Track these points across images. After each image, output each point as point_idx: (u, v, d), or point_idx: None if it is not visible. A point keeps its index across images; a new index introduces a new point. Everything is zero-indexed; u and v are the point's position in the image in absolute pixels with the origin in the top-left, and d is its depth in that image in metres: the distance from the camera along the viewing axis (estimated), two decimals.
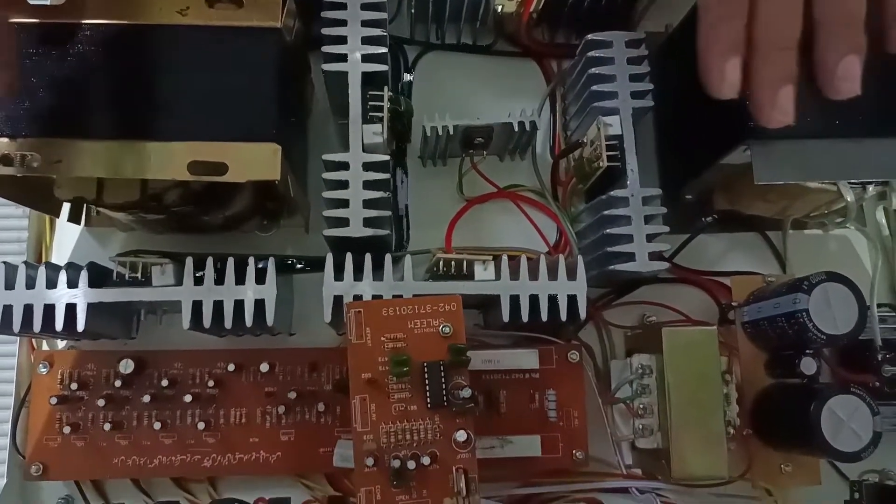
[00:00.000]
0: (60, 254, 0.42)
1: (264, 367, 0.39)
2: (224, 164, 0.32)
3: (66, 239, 0.43)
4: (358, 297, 0.36)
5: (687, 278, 0.44)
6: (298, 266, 0.41)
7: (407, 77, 0.39)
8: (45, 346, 0.41)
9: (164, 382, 0.39)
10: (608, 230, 0.38)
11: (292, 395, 0.39)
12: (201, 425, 0.38)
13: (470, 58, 0.47)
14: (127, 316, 0.40)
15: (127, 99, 0.33)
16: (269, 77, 0.33)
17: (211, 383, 0.39)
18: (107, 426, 0.38)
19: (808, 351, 0.39)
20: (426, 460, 0.32)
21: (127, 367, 0.38)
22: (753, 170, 0.34)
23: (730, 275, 0.44)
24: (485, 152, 0.43)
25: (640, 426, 0.38)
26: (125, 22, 0.33)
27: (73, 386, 0.38)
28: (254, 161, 0.32)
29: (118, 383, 0.38)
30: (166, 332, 0.42)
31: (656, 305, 0.43)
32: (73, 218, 0.40)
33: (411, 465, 0.32)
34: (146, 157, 0.32)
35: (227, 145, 0.32)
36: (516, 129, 0.40)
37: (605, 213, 0.39)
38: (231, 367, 0.39)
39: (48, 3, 0.33)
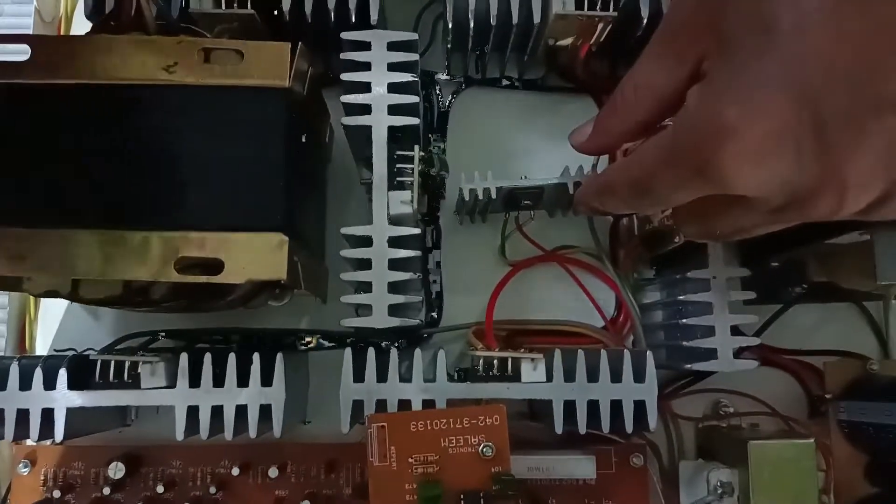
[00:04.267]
0: (46, 327, 0.37)
1: (273, 473, 0.34)
2: (219, 261, 0.26)
3: (53, 311, 0.37)
4: (381, 403, 0.30)
5: (770, 359, 0.37)
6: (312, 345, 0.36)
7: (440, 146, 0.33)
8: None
9: (160, 488, 0.33)
10: (684, 319, 0.32)
11: (306, 503, 0.33)
12: None
13: (515, 94, 0.40)
14: (118, 408, 0.35)
15: (107, 176, 0.27)
16: (274, 149, 0.27)
17: (213, 489, 0.34)
18: None
19: None
20: None
21: (117, 471, 0.33)
22: (876, 267, 0.27)
23: (821, 354, 0.37)
24: (532, 213, 0.37)
25: None
26: (98, 82, 0.27)
27: (57, 493, 0.33)
28: (255, 256, 0.26)
29: (107, 490, 0.33)
30: (164, 418, 0.36)
31: (733, 394, 0.37)
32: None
33: None
34: (127, 252, 0.26)
35: (224, 237, 0.26)
36: (571, 190, 0.33)
37: (680, 297, 0.32)
38: (236, 472, 0.34)
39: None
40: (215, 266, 0.26)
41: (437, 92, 0.40)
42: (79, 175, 0.27)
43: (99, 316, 0.37)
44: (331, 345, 0.36)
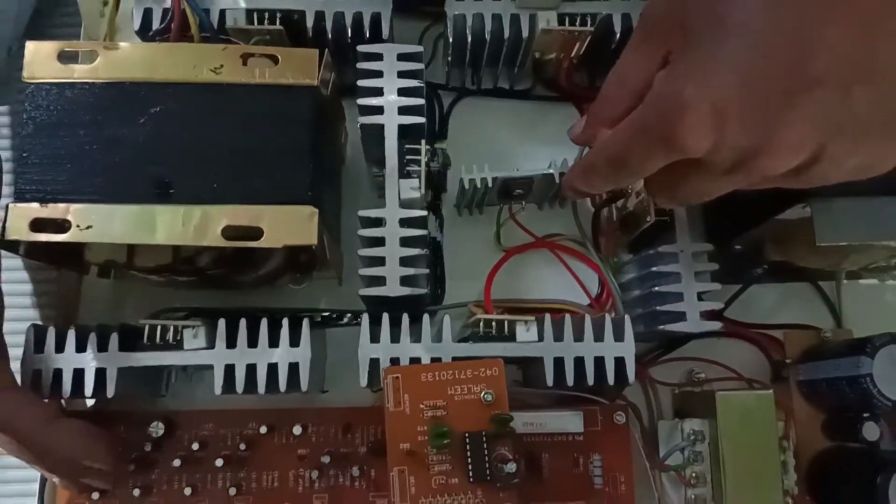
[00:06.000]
0: (90, 310, 0.41)
1: (297, 430, 0.38)
2: (260, 229, 0.31)
3: (96, 294, 0.42)
4: (395, 361, 0.35)
5: (737, 332, 0.42)
6: (333, 318, 0.41)
7: (441, 145, 0.38)
8: None
9: (195, 446, 0.37)
10: (656, 287, 0.36)
11: (326, 459, 0.37)
12: (233, 491, 0.37)
13: (507, 103, 0.45)
14: (157, 375, 0.39)
15: (159, 160, 0.32)
16: (305, 136, 0.32)
17: (243, 446, 0.38)
18: (136, 492, 0.37)
19: (869, 415, 0.36)
20: None
21: (158, 430, 0.37)
22: (815, 231, 0.32)
23: (782, 328, 0.42)
24: (524, 202, 0.42)
25: (693, 496, 0.36)
26: (158, 80, 0.32)
27: None
28: (290, 225, 0.31)
29: (148, 447, 0.37)
30: (196, 388, 0.40)
31: (705, 362, 0.41)
32: (103, 274, 0.39)
33: None
34: (179, 222, 0.31)
35: (263, 209, 0.31)
36: (557, 180, 0.38)
37: (653, 269, 0.37)
38: (263, 430, 0.38)
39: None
40: (256, 233, 0.31)
41: (438, 101, 0.45)
42: (138, 159, 0.32)
43: (135, 297, 0.41)
44: (352, 319, 0.41)
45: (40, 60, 0.32)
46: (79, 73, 0.32)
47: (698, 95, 0.25)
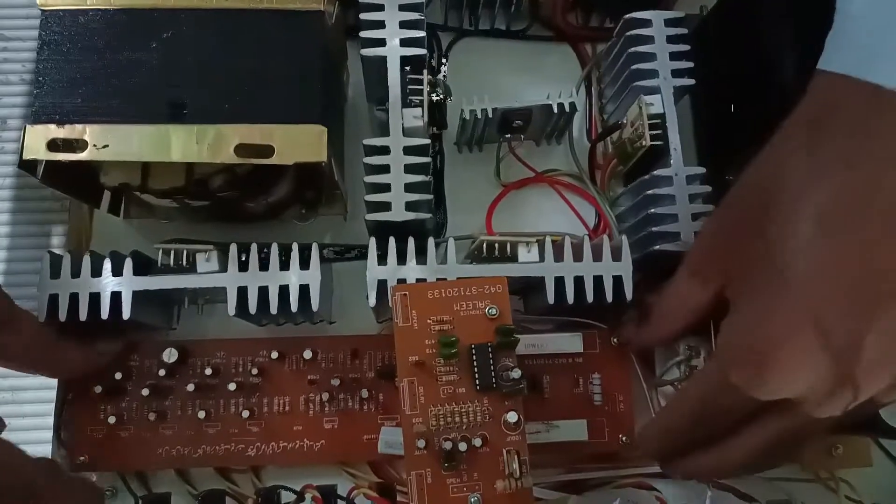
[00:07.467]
0: (100, 246, 0.42)
1: (307, 355, 0.39)
2: (271, 147, 0.32)
3: (106, 231, 0.43)
4: (402, 281, 0.36)
5: None
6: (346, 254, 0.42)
7: (443, 70, 0.39)
8: None
9: (208, 371, 0.38)
10: (652, 210, 0.38)
11: (335, 381, 0.39)
12: (245, 414, 0.38)
13: (504, 43, 0.46)
14: (169, 305, 0.40)
15: (173, 82, 0.33)
16: (314, 58, 0.34)
17: (254, 371, 0.39)
18: (151, 416, 0.38)
19: None
20: (477, 442, 0.31)
21: (171, 356, 0.38)
22: None
23: None
24: (522, 136, 0.43)
25: None
26: (170, 6, 0.33)
27: (118, 376, 0.38)
28: (300, 143, 0.32)
29: (162, 373, 0.38)
30: (206, 321, 0.41)
31: None
32: (113, 209, 0.40)
33: (462, 447, 0.31)
34: (193, 140, 0.32)
35: (274, 127, 0.32)
36: (556, 110, 0.40)
37: (649, 192, 0.38)
38: (274, 355, 0.39)
39: None
40: (268, 151, 0.32)
41: (437, 41, 0.46)
42: (152, 82, 0.33)
43: (144, 233, 0.42)
44: (357, 254, 0.42)
45: None
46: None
47: (773, 347, 0.27)
